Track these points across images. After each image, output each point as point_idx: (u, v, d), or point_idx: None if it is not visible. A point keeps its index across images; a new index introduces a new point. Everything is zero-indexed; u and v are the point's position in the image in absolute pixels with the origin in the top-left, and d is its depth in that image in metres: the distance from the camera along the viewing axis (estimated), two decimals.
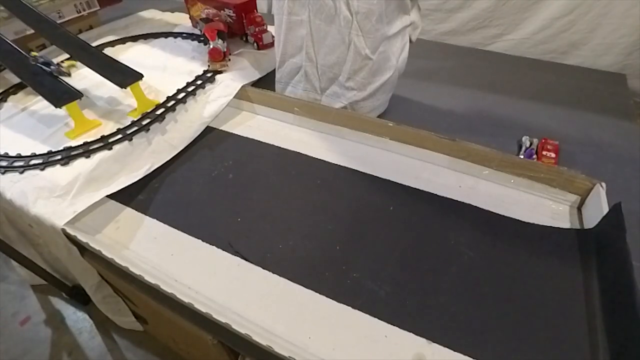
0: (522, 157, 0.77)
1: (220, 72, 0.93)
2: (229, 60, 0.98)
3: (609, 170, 0.74)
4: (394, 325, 0.51)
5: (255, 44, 1.07)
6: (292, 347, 0.48)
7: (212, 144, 0.83)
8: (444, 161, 0.74)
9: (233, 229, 0.64)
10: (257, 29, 1.05)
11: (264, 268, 0.58)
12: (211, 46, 0.92)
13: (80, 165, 0.70)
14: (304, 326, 0.51)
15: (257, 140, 0.83)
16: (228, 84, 0.91)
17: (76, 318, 1.06)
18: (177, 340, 0.80)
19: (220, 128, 0.87)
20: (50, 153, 0.73)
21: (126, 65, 0.88)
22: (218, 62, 0.93)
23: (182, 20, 1.26)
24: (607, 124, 0.89)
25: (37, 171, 0.69)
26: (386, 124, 0.77)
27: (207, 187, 0.72)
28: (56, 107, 0.75)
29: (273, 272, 0.57)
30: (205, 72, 0.93)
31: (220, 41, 0.94)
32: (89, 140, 0.75)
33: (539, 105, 0.96)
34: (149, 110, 0.81)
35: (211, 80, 0.91)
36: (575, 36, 1.27)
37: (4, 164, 0.71)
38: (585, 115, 0.92)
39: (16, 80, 0.93)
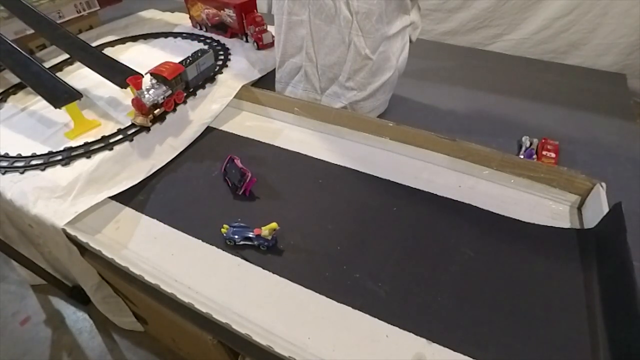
0: (522, 157, 0.77)
1: (147, 128, 0.77)
2: (173, 109, 0.81)
3: (609, 170, 0.74)
4: (394, 325, 0.51)
5: (255, 44, 1.07)
6: (292, 347, 0.48)
7: (212, 144, 0.83)
8: (444, 161, 0.74)
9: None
10: (257, 29, 1.05)
11: (264, 268, 0.58)
12: (134, 95, 0.75)
13: (81, 165, 0.70)
14: (303, 326, 0.51)
15: (257, 141, 0.83)
16: (228, 84, 0.91)
17: (76, 318, 1.06)
18: (177, 340, 0.80)
19: (220, 128, 0.87)
20: (50, 153, 0.73)
21: (126, 66, 0.88)
22: (141, 115, 0.76)
23: (182, 20, 1.26)
24: (607, 124, 0.89)
25: (38, 171, 0.70)
26: (386, 124, 0.77)
27: (207, 187, 0.72)
28: (55, 107, 0.75)
29: (273, 272, 0.57)
30: (132, 124, 0.78)
31: (160, 90, 0.77)
32: (89, 140, 0.75)
33: (539, 105, 0.96)
34: None
35: (138, 132, 0.76)
36: (575, 36, 1.27)
37: (4, 164, 0.71)
38: (585, 115, 0.92)
39: (16, 80, 0.93)
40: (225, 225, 0.61)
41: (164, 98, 0.78)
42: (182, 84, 0.83)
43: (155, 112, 0.78)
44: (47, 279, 0.94)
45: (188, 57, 0.86)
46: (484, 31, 1.39)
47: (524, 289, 0.54)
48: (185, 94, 0.84)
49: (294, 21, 0.83)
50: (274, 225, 0.57)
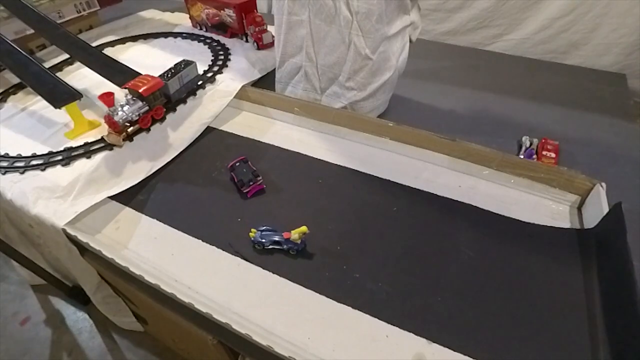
0: (522, 157, 0.77)
1: (118, 146, 0.73)
2: (149, 127, 0.76)
3: (609, 170, 0.74)
4: (394, 325, 0.51)
5: (255, 44, 1.07)
6: (292, 347, 0.48)
7: (212, 144, 0.83)
8: (444, 161, 0.74)
9: (233, 229, 0.64)
10: (257, 29, 1.05)
11: (264, 268, 0.58)
12: (106, 112, 0.71)
13: (81, 165, 0.70)
14: (303, 326, 0.51)
15: (257, 141, 0.83)
16: (228, 84, 0.91)
17: (76, 318, 1.06)
18: (177, 340, 0.80)
19: (220, 128, 0.87)
20: (50, 153, 0.73)
21: (126, 65, 0.88)
22: (114, 132, 0.72)
23: (182, 20, 1.26)
24: (607, 124, 0.89)
25: (38, 172, 0.70)
26: (386, 124, 0.77)
27: (207, 187, 0.72)
28: (55, 107, 0.75)
29: (273, 272, 0.57)
30: (101, 138, 0.75)
31: (136, 106, 0.72)
32: (89, 140, 0.75)
33: (539, 105, 0.96)
34: None
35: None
36: (575, 36, 1.26)
37: (4, 164, 0.72)
38: (585, 115, 0.92)
39: (16, 80, 0.93)
40: (253, 230, 0.60)
41: (139, 115, 0.73)
42: (161, 99, 0.78)
43: (129, 130, 0.73)
44: (47, 279, 0.94)
45: (170, 69, 0.81)
46: (484, 31, 1.39)
47: (524, 289, 0.54)
48: (165, 110, 0.80)
49: (294, 21, 0.83)
50: (304, 228, 0.56)
